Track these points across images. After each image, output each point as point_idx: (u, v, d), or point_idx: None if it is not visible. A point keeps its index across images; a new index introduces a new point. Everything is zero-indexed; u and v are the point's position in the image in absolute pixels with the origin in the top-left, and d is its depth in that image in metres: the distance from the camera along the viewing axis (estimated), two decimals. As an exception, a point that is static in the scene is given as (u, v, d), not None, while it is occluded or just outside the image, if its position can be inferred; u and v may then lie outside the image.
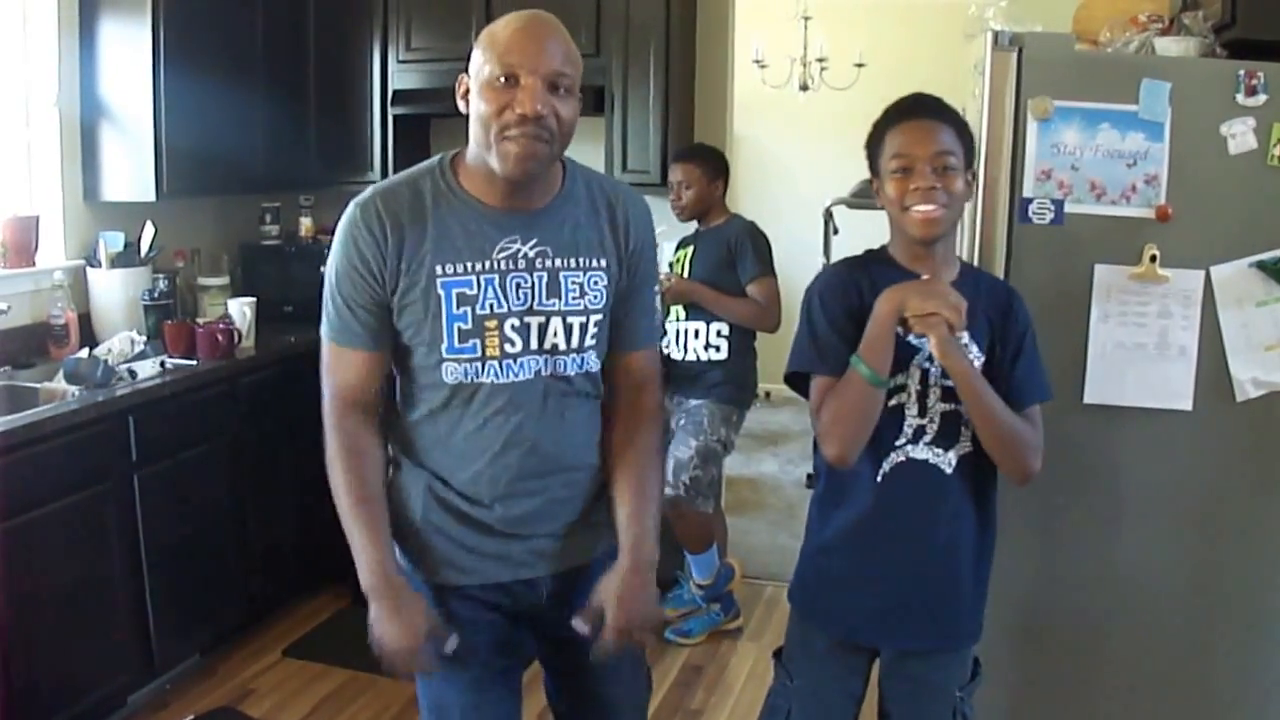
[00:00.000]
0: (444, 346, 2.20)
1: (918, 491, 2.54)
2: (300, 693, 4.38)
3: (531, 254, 2.22)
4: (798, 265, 7.33)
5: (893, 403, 2.52)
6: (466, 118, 2.20)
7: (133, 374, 4.17)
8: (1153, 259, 3.04)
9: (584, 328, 2.27)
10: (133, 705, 4.08)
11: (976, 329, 2.52)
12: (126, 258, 4.75)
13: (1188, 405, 3.09)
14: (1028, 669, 3.24)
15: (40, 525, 3.57)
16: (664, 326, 4.72)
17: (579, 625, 2.26)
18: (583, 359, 2.29)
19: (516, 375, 2.23)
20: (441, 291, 2.18)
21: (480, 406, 2.24)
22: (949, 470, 2.54)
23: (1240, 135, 2.99)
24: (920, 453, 2.53)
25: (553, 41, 2.14)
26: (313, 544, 4.98)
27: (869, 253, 2.70)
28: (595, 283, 2.28)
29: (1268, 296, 3.03)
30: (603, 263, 2.29)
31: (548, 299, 2.23)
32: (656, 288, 2.51)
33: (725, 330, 4.67)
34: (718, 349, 4.68)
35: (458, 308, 2.19)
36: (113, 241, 4.72)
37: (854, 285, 2.58)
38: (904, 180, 2.48)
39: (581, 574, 2.37)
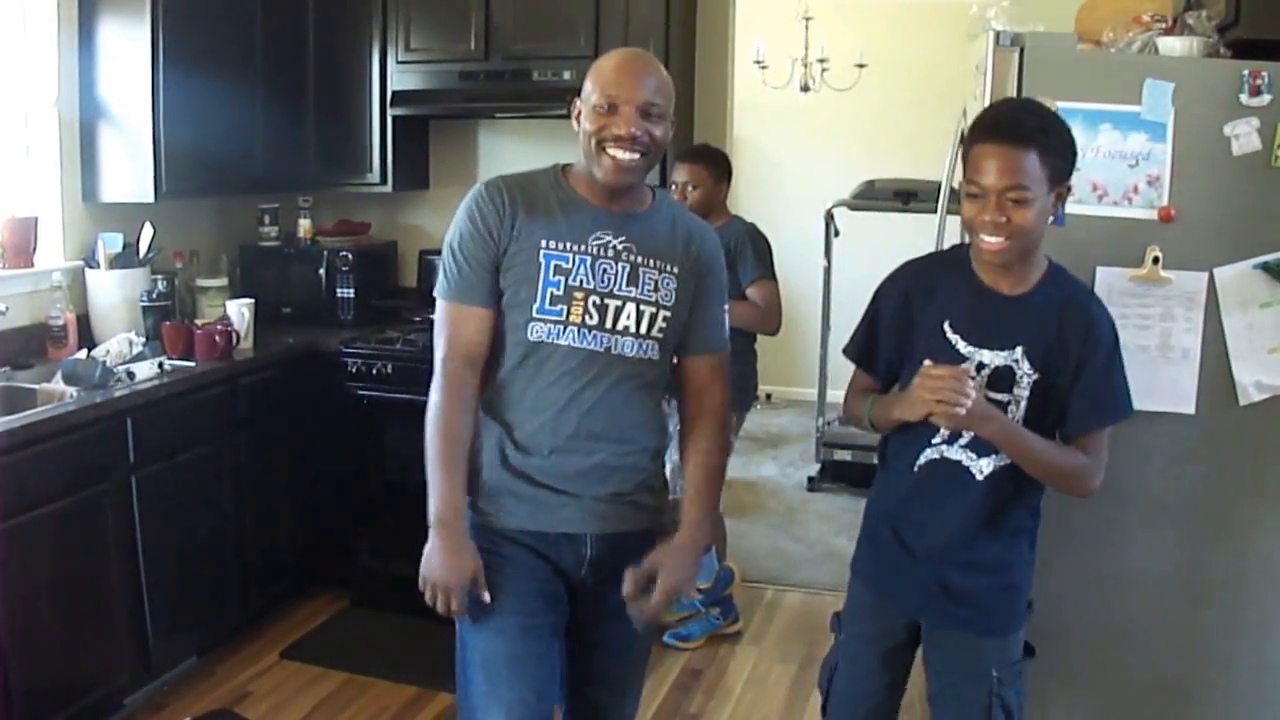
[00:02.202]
0: (535, 306, 2.52)
1: (947, 489, 2.63)
2: (298, 695, 4.36)
3: (620, 247, 2.57)
4: (798, 267, 7.35)
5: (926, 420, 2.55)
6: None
7: (131, 375, 4.15)
8: (1155, 261, 3.04)
9: (653, 318, 2.58)
10: (130, 707, 4.07)
11: (1037, 342, 2.54)
12: (125, 259, 4.73)
13: (1191, 408, 3.09)
14: (1029, 670, 3.22)
15: (38, 526, 3.56)
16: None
17: (628, 583, 2.53)
18: (646, 345, 2.59)
19: (588, 344, 2.54)
20: (542, 260, 2.53)
21: (553, 367, 2.55)
22: (979, 476, 2.59)
23: (1244, 136, 2.98)
24: (955, 453, 2.61)
25: (647, 76, 2.53)
26: (311, 546, 5.00)
27: (951, 250, 2.78)
28: (667, 283, 2.60)
29: (1271, 298, 3.02)
30: (675, 269, 2.62)
31: (626, 286, 2.56)
32: (726, 305, 2.79)
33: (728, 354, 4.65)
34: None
35: (553, 275, 2.52)
36: (111, 242, 4.71)
37: (916, 289, 2.69)
38: (974, 205, 2.49)
39: (623, 544, 2.62)
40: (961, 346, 2.57)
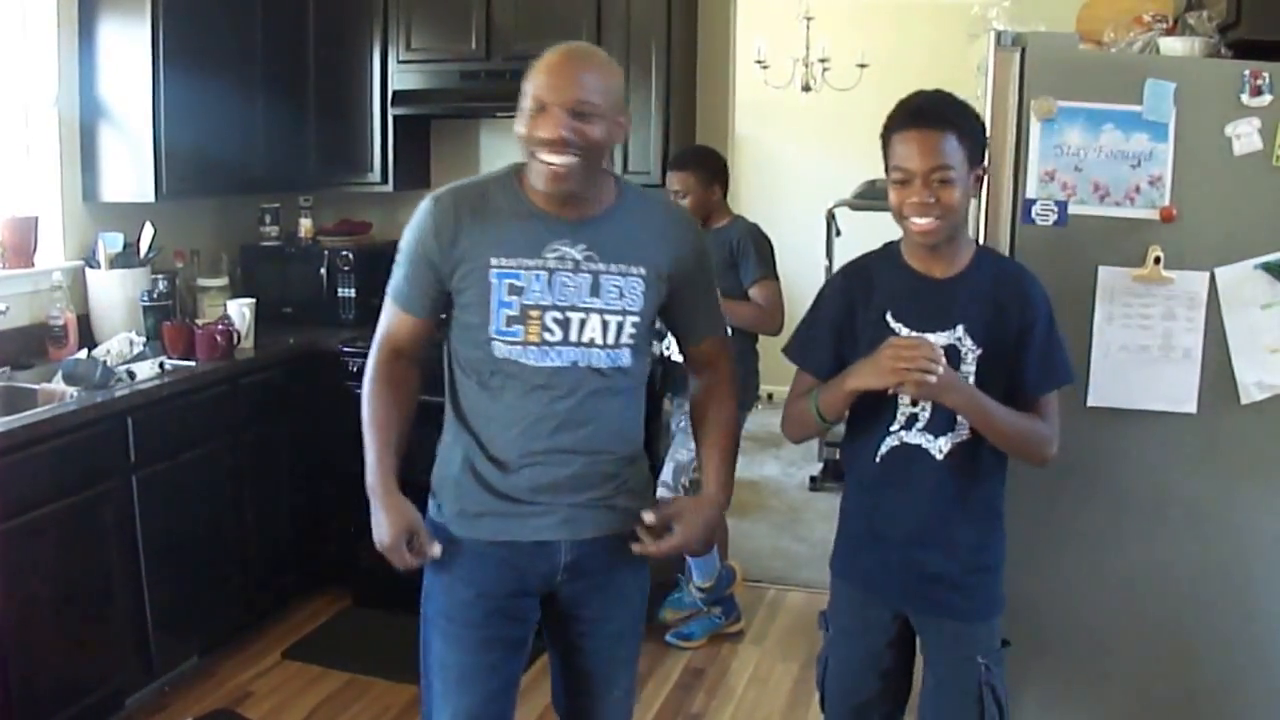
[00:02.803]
0: (491, 328, 2.47)
1: (910, 474, 2.67)
2: (299, 695, 4.36)
3: (579, 256, 2.48)
4: (800, 267, 7.33)
5: (889, 391, 2.60)
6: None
7: (131, 375, 4.16)
8: (1157, 261, 3.03)
9: (620, 326, 2.51)
10: (131, 707, 4.06)
11: (976, 319, 2.60)
12: (125, 258, 4.73)
13: (1192, 408, 3.08)
14: (1031, 669, 3.22)
15: (38, 526, 3.55)
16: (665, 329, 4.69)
17: (647, 515, 2.56)
18: (616, 355, 2.53)
19: (554, 361, 2.48)
20: (494, 280, 2.46)
21: (520, 384, 2.50)
22: (939, 456, 2.64)
23: (1245, 136, 2.98)
24: (914, 438, 2.65)
25: (581, 73, 2.42)
26: (312, 546, 4.99)
27: (883, 248, 2.80)
28: (634, 287, 2.52)
29: (1273, 299, 3.02)
30: (641, 270, 2.53)
31: (589, 297, 2.49)
32: (715, 288, 2.79)
33: (727, 332, 4.64)
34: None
35: (507, 295, 2.46)
36: (112, 242, 4.71)
37: (856, 287, 2.75)
38: (901, 190, 2.58)
39: (601, 547, 2.61)
40: (904, 332, 2.62)
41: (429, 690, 2.67)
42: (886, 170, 2.63)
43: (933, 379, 2.44)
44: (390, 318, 2.61)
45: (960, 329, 2.59)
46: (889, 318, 2.66)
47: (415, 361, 2.65)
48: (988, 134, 2.65)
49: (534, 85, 2.43)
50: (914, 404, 2.63)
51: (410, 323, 2.58)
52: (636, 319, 2.52)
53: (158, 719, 4.11)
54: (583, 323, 2.48)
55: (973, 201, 2.74)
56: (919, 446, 2.64)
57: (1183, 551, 3.17)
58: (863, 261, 2.82)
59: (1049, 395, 2.64)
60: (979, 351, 2.59)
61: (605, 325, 2.49)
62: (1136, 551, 3.17)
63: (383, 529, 2.51)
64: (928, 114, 2.54)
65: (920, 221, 2.55)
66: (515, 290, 2.45)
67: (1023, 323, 2.60)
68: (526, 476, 2.53)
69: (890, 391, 2.56)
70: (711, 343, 2.74)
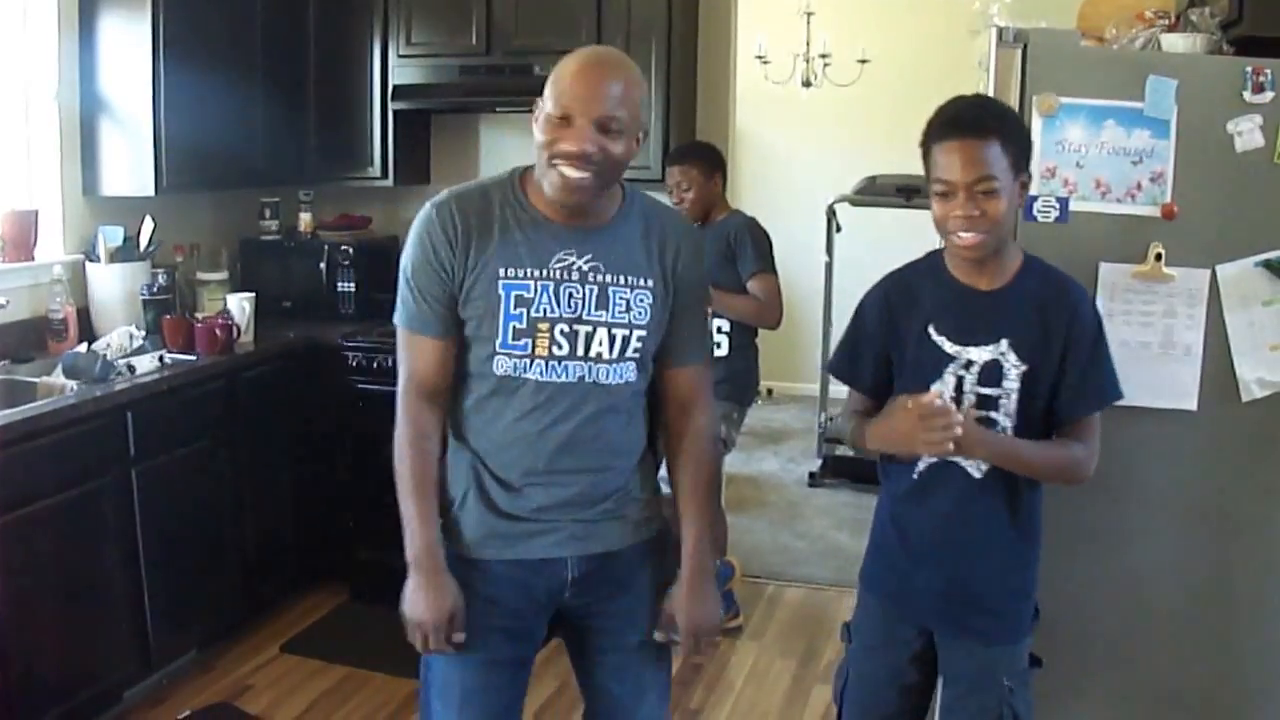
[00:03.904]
0: (498, 341, 2.38)
1: (948, 492, 2.63)
2: (298, 689, 4.37)
3: (585, 267, 2.40)
4: (800, 262, 7.35)
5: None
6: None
7: (131, 369, 4.15)
8: (1158, 257, 3.03)
9: (626, 340, 2.42)
10: (129, 700, 4.07)
11: (1022, 334, 2.55)
12: (125, 252, 4.73)
13: (1193, 405, 3.08)
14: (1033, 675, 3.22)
15: (38, 520, 3.56)
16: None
17: (659, 636, 2.53)
18: (622, 370, 2.43)
19: (559, 376, 2.39)
20: (502, 292, 2.37)
21: (523, 400, 2.41)
22: (978, 475, 2.60)
23: (1247, 133, 2.97)
24: (952, 455, 2.56)
25: (610, 84, 2.30)
26: (311, 540, 5.00)
27: (926, 258, 2.74)
28: (641, 300, 2.43)
29: (1274, 296, 3.01)
30: (649, 283, 2.45)
31: (596, 310, 2.40)
32: (710, 311, 2.67)
33: (726, 327, 4.65)
34: (718, 346, 4.64)
35: (515, 308, 2.37)
36: (112, 236, 4.71)
37: (897, 299, 2.70)
38: (945, 204, 2.49)
39: (609, 562, 2.52)
40: (947, 346, 2.59)
41: (427, 707, 2.60)
42: (928, 181, 2.55)
43: (951, 446, 2.41)
44: (411, 351, 2.47)
45: (1005, 343, 2.55)
46: (931, 331, 2.61)
47: (444, 405, 2.50)
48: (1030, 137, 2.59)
49: (559, 92, 2.30)
50: None
51: (435, 349, 2.43)
52: (643, 333, 2.43)
53: (156, 712, 4.11)
54: (590, 336, 2.39)
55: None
56: (957, 464, 2.59)
57: (1183, 548, 3.16)
58: (904, 272, 2.75)
59: (1091, 415, 2.60)
60: (1023, 368, 2.54)
61: (613, 339, 2.41)
62: (1137, 548, 3.17)
63: (422, 608, 2.40)
64: (968, 122, 2.46)
65: (965, 236, 2.47)
66: (523, 302, 2.37)
67: (1068, 338, 2.55)
68: (529, 495, 2.44)
69: (942, 345, 2.57)
70: (695, 372, 2.58)
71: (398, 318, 2.48)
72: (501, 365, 2.39)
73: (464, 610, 2.44)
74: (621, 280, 2.41)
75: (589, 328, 2.39)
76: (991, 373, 2.55)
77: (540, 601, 2.53)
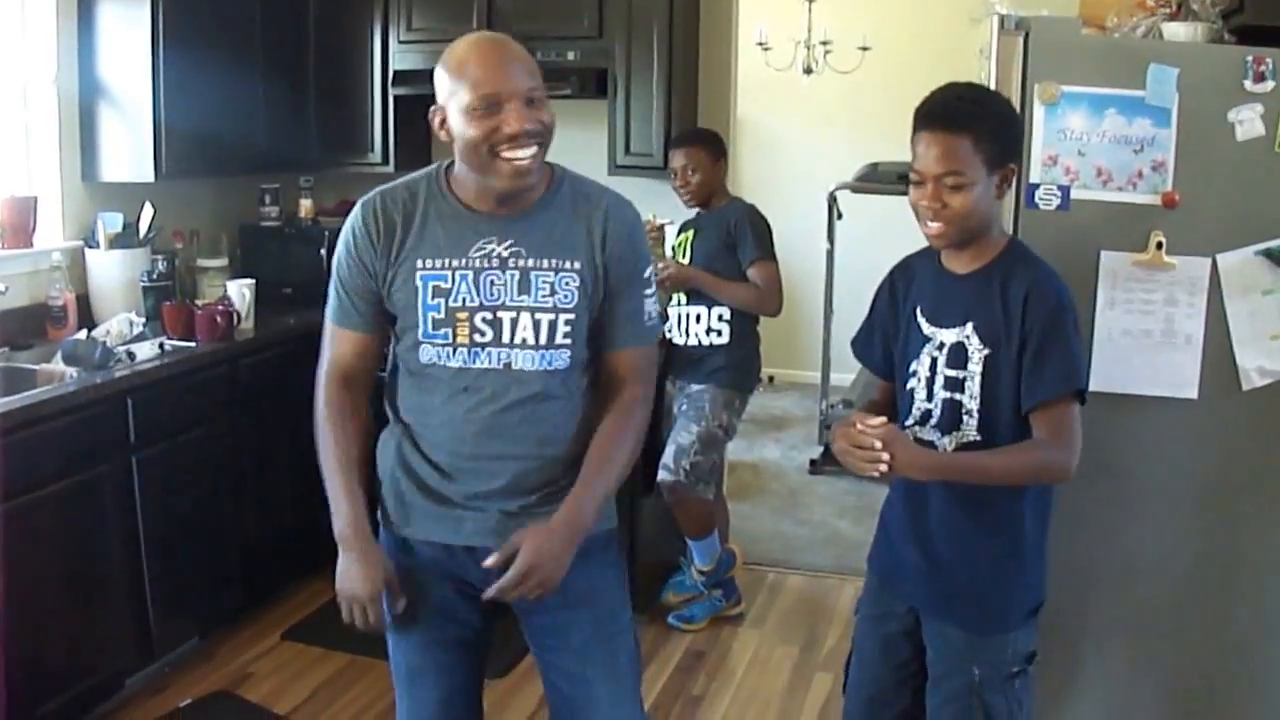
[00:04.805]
0: (419, 331, 2.42)
1: (929, 490, 2.64)
2: (299, 676, 4.37)
3: (505, 254, 2.40)
4: (801, 250, 7.34)
5: (909, 386, 2.65)
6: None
7: (131, 356, 4.15)
8: (1159, 246, 3.02)
9: (553, 325, 2.42)
10: (130, 688, 4.07)
11: (984, 319, 2.57)
12: (125, 239, 4.73)
13: (1193, 393, 3.08)
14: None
15: (38, 508, 3.56)
16: (666, 313, 4.69)
17: (488, 560, 2.36)
18: (550, 356, 2.43)
19: (480, 363, 2.41)
20: (419, 283, 2.41)
21: (445, 385, 2.44)
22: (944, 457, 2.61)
23: (1248, 122, 2.97)
24: (927, 434, 2.64)
25: (517, 60, 2.33)
26: (312, 527, 4.94)
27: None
28: (566, 283, 2.42)
29: (1274, 285, 3.01)
30: (576, 265, 2.43)
31: (518, 295, 2.40)
32: (648, 291, 2.56)
33: (727, 315, 4.65)
34: (719, 334, 4.65)
35: (432, 299, 2.41)
36: (111, 222, 4.70)
37: (899, 282, 2.79)
38: (916, 191, 2.55)
39: None
40: (925, 328, 2.65)
41: (397, 690, 2.68)
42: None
43: (879, 471, 2.41)
44: (333, 340, 2.54)
45: (970, 326, 2.57)
46: (917, 312, 2.67)
47: (365, 390, 2.55)
48: (1022, 127, 2.63)
49: (476, 81, 2.28)
50: (928, 398, 2.62)
51: (355, 341, 2.51)
52: (570, 316, 2.41)
53: (157, 700, 4.11)
54: (513, 322, 2.40)
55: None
56: (930, 443, 2.62)
57: (1183, 537, 3.17)
58: (914, 254, 2.81)
59: (1056, 407, 2.52)
60: (986, 351, 2.56)
61: (537, 324, 2.40)
62: (1137, 536, 3.17)
63: (357, 581, 2.42)
64: (940, 117, 2.51)
65: (932, 225, 2.54)
66: (440, 293, 2.39)
67: (1025, 323, 2.53)
68: (458, 480, 2.46)
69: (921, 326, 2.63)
70: (630, 357, 2.53)
71: (327, 310, 2.54)
72: (425, 354, 2.43)
73: (398, 582, 2.47)
74: (545, 264, 2.40)
75: (512, 314, 2.40)
76: (958, 355, 2.58)
77: (468, 587, 2.50)
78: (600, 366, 2.54)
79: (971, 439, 2.58)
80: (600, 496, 2.47)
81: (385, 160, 5.47)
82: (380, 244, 2.42)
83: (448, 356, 2.41)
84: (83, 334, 4.27)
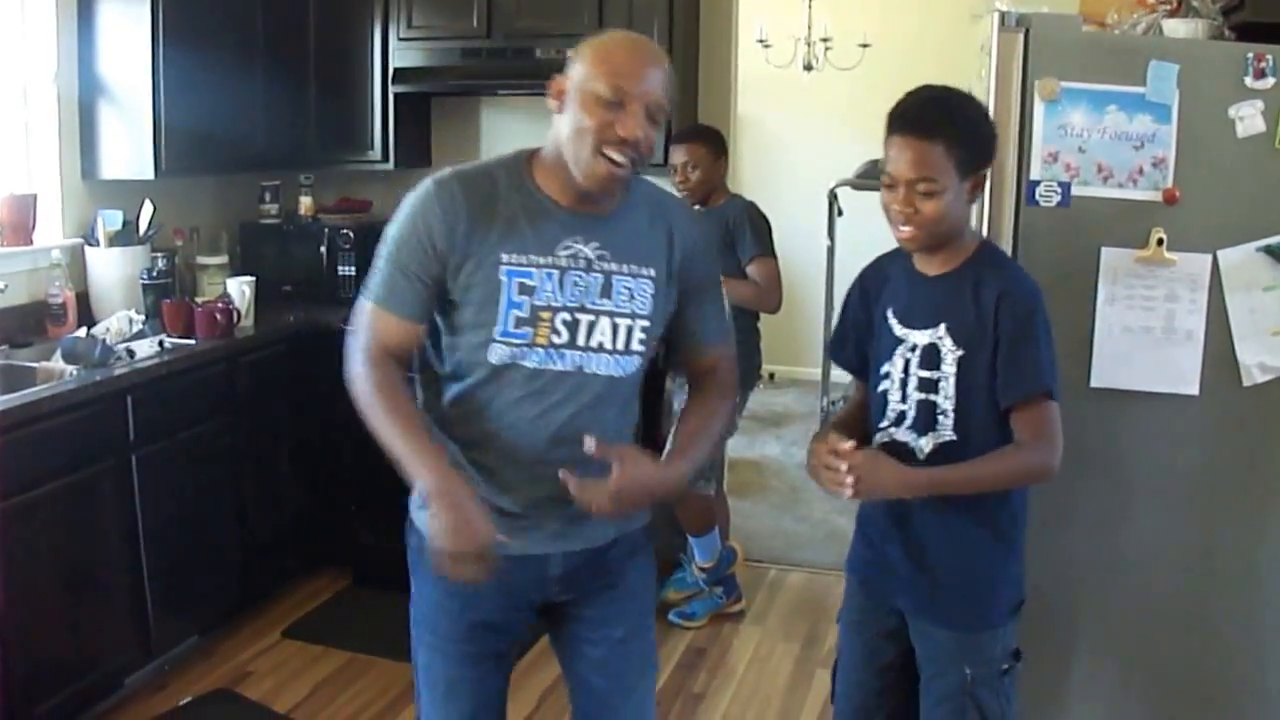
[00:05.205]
0: (497, 329, 2.28)
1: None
2: (299, 674, 4.37)
3: (592, 255, 2.31)
4: (801, 247, 7.34)
5: (881, 388, 2.64)
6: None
7: (131, 353, 4.14)
8: (1160, 242, 3.03)
9: (630, 331, 2.35)
10: (130, 687, 4.07)
11: (957, 320, 2.56)
12: (125, 236, 4.72)
13: (1194, 389, 3.08)
14: (1030, 652, 3.21)
15: (37, 506, 3.56)
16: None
17: (588, 444, 2.26)
18: (623, 362, 2.36)
19: (555, 364, 2.31)
20: (504, 278, 2.27)
21: (515, 388, 2.31)
22: (921, 457, 2.60)
23: (1249, 118, 2.97)
24: (902, 435, 2.63)
25: (658, 70, 2.26)
26: (312, 524, 4.99)
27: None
28: (644, 290, 2.36)
29: (1275, 281, 3.01)
30: (652, 272, 2.37)
31: (600, 299, 2.32)
32: (721, 292, 2.60)
33: (726, 311, 4.63)
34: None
35: (517, 295, 2.27)
36: (111, 220, 4.69)
37: (871, 283, 2.77)
38: (888, 194, 2.54)
39: (595, 558, 2.45)
40: (897, 330, 2.63)
41: (419, 695, 2.58)
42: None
43: (847, 493, 2.45)
44: (372, 323, 2.35)
45: (943, 328, 2.56)
46: (889, 314, 2.66)
47: (406, 369, 2.41)
48: (994, 131, 2.61)
49: (612, 71, 2.20)
50: (902, 400, 2.61)
51: (399, 328, 2.33)
52: (646, 324, 2.36)
53: (157, 698, 4.11)
54: (592, 325, 2.31)
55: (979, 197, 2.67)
56: (906, 444, 2.61)
57: (1184, 532, 3.17)
58: (884, 256, 2.79)
59: (1034, 407, 2.52)
60: (959, 353, 2.54)
61: (615, 329, 2.33)
62: (1137, 532, 3.17)
63: (470, 530, 2.18)
64: (913, 122, 2.49)
65: (903, 229, 2.53)
66: (526, 290, 2.27)
67: (997, 323, 2.53)
68: (516, 489, 2.36)
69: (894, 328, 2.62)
70: (718, 353, 2.56)
71: (368, 289, 2.37)
72: (497, 353, 2.28)
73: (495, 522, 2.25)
74: (626, 269, 2.33)
75: (591, 317, 2.31)
76: (930, 356, 2.57)
77: (522, 597, 2.46)
78: (691, 370, 2.57)
79: (948, 439, 2.56)
80: (693, 466, 2.47)
81: (385, 158, 5.46)
82: (458, 226, 2.27)
83: (524, 357, 2.29)
84: (82, 332, 4.26)
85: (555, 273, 2.28)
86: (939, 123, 2.47)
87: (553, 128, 2.30)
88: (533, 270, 2.28)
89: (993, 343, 2.53)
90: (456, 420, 2.39)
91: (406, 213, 2.34)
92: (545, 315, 2.28)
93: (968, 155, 2.48)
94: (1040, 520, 3.07)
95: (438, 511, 2.22)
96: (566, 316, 2.29)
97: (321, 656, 4.51)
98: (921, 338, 2.58)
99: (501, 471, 2.36)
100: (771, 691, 4.39)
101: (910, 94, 2.55)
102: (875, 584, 2.79)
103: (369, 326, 2.36)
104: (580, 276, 2.30)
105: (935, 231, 2.52)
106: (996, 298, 2.53)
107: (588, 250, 2.31)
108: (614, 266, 2.32)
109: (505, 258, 2.27)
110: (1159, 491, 3.15)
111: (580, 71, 2.24)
